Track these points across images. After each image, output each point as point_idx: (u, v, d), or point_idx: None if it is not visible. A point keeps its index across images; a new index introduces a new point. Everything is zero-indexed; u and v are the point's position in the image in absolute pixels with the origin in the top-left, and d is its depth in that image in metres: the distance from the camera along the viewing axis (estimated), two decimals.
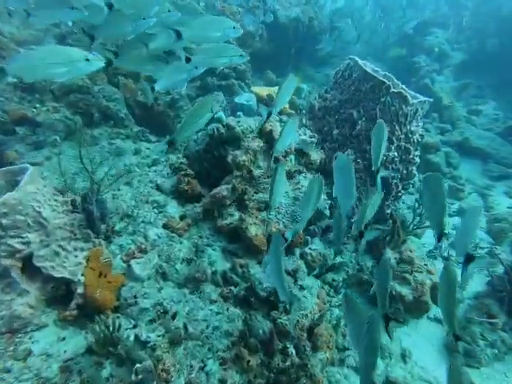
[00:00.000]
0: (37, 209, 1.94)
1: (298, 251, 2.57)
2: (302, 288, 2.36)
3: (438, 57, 7.45)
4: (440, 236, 1.52)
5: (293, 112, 4.87)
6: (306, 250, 2.59)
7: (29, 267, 1.91)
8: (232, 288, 2.21)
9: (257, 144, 2.56)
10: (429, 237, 3.91)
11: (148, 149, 4.42)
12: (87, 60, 1.66)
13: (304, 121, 3.41)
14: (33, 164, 3.50)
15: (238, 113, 3.12)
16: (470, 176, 5.38)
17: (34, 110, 3.89)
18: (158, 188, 2.78)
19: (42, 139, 3.83)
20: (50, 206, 2.02)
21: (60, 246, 2.01)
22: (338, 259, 3.29)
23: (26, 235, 1.89)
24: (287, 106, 4.87)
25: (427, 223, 3.58)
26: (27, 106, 3.88)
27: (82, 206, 2.09)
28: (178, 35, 1.87)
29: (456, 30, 7.91)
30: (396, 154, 3.17)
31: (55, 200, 2.08)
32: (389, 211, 3.44)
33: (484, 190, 5.06)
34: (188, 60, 1.98)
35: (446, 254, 3.80)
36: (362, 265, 3.31)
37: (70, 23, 4.63)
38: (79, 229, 2.11)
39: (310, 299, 2.36)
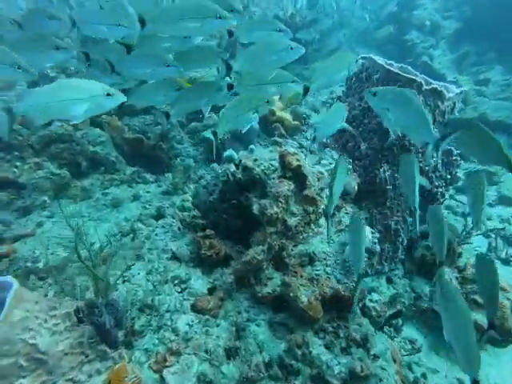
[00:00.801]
0: (30, 341, 1.46)
1: (358, 307, 2.11)
2: (375, 357, 1.90)
3: (431, 30, 7.00)
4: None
5: (297, 123, 4.39)
6: (367, 303, 2.14)
7: None
8: (296, 383, 1.75)
9: (286, 188, 2.09)
10: (479, 239, 3.47)
11: (148, 192, 3.97)
12: (108, 95, 1.42)
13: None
14: (24, 236, 3.07)
15: (251, 146, 2.65)
16: None
17: (15, 169, 3.46)
18: (175, 256, 2.31)
19: (29, 203, 3.39)
20: (48, 330, 1.54)
21: (70, 380, 1.54)
22: (390, 291, 2.85)
23: (19, 383, 1.41)
24: (290, 117, 4.40)
25: (483, 228, 3.15)
26: (7, 166, 3.44)
27: (90, 320, 1.62)
28: (228, 67, 1.48)
29: None
30: (438, 159, 2.71)
31: (53, 316, 1.60)
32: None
33: None
34: (231, 88, 1.60)
35: (504, 256, 3.36)
36: (419, 292, 2.86)
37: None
38: (91, 347, 1.64)
39: (389, 369, 1.90)
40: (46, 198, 3.50)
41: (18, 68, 1.55)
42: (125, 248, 2.71)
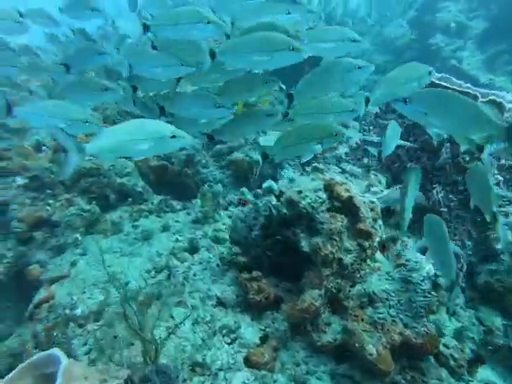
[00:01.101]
0: None
1: (431, 356, 1.86)
2: None
3: (457, 31, 6.70)
4: None
5: None
6: (442, 349, 1.89)
7: None
8: None
9: (340, 224, 1.90)
10: None
11: (177, 222, 3.85)
12: (173, 137, 1.44)
13: (367, 160, 2.74)
14: (61, 278, 3.00)
15: (290, 175, 2.49)
16: None
17: (49, 208, 3.46)
18: (220, 302, 2.14)
19: (62, 241, 3.35)
20: None
21: None
22: (454, 324, 2.56)
23: None
24: None
25: None
26: (41, 205, 3.45)
27: None
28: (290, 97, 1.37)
29: None
30: (500, 176, 2.46)
31: None
32: (499, 246, 2.70)
33: None
34: (287, 115, 1.50)
35: None
36: (489, 325, 2.55)
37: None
38: None
39: None
40: (77, 235, 3.47)
41: (86, 122, 1.61)
42: (162, 289, 2.58)
